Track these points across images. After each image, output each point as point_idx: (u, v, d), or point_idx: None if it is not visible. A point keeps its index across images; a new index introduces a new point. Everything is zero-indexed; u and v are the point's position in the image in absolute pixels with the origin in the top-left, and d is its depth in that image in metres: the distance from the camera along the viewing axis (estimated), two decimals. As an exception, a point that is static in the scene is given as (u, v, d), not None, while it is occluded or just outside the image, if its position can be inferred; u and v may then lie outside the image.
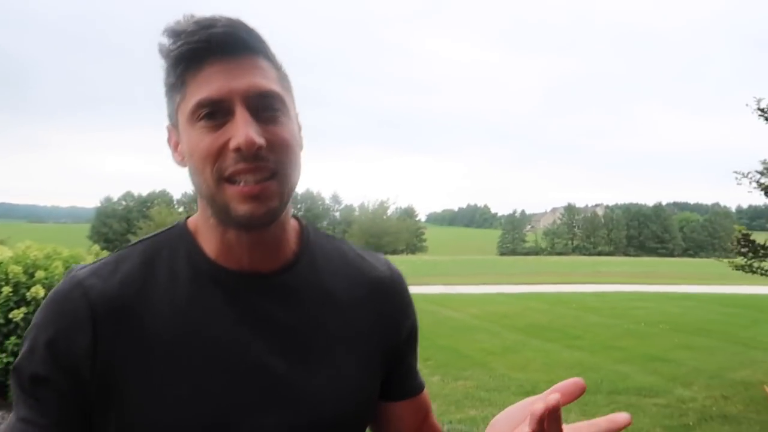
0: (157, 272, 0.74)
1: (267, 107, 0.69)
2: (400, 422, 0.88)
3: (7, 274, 5.58)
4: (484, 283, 18.55)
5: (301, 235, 0.82)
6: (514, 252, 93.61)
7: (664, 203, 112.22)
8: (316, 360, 0.76)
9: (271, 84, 0.70)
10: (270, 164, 0.68)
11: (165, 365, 0.70)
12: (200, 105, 0.68)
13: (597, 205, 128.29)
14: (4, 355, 5.49)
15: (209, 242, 0.75)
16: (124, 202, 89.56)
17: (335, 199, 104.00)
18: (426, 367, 5.95)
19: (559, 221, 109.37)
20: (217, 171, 0.68)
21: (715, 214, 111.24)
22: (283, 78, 0.73)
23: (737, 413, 4.71)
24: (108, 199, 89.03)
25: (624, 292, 15.64)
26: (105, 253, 2.09)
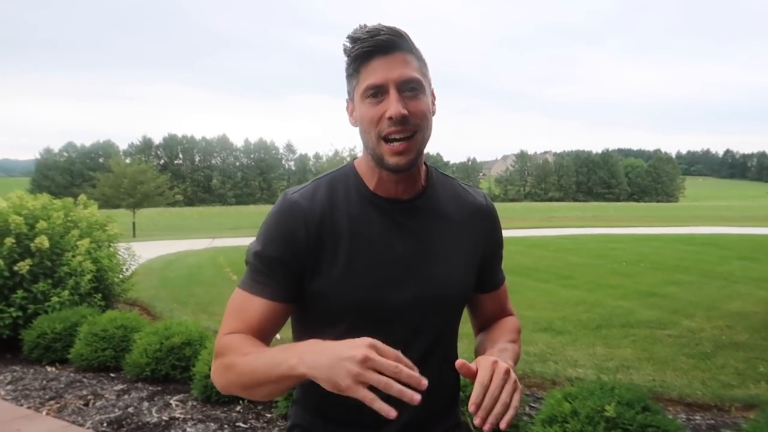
0: (338, 196, 1.12)
1: (410, 88, 1.04)
2: (484, 307, 1.30)
3: (8, 224, 5.27)
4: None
5: (427, 174, 1.19)
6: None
7: (609, 150, 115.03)
8: (437, 258, 1.13)
9: (413, 72, 1.04)
10: (411, 127, 1.03)
11: (344, 253, 1.08)
12: (368, 88, 1.03)
13: (546, 153, 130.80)
14: (12, 309, 5.24)
15: (369, 178, 1.13)
16: (66, 154, 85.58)
17: (289, 148, 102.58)
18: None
19: (511, 168, 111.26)
20: (377, 132, 1.04)
21: (658, 160, 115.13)
22: (422, 66, 1.08)
23: (746, 341, 5.00)
24: (48, 151, 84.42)
25: (594, 235, 16.21)
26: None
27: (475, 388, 0.94)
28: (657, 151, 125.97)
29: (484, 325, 1.31)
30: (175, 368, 4.17)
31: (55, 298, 5.30)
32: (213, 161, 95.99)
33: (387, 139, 1.04)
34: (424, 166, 1.18)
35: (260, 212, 59.55)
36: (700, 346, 4.86)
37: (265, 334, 1.10)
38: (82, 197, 6.90)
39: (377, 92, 1.04)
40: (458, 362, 0.97)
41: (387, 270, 1.10)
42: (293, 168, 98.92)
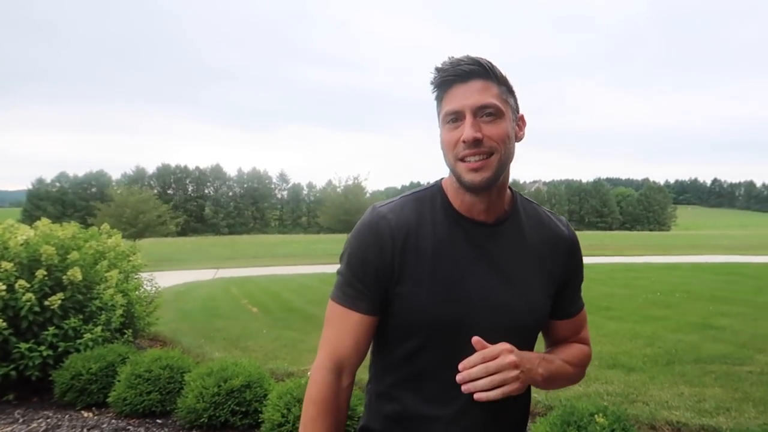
0: (424, 213, 1.16)
1: (487, 114, 1.08)
2: (558, 333, 1.29)
3: (39, 254, 4.86)
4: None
5: (512, 200, 1.21)
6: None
7: (600, 179, 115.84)
8: (516, 285, 1.15)
9: (490, 99, 1.09)
10: (485, 149, 1.08)
11: (427, 271, 1.12)
12: (447, 113, 1.11)
13: (536, 182, 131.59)
14: (42, 348, 4.79)
15: (455, 199, 1.17)
16: (58, 184, 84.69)
17: (282, 178, 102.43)
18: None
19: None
20: (454, 155, 1.11)
21: (649, 189, 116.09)
22: (504, 92, 1.11)
23: (835, 377, 4.66)
24: (40, 181, 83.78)
25: (608, 264, 15.89)
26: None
27: (474, 354, 1.05)
28: (646, 180, 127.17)
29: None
30: (234, 414, 3.75)
31: (87, 335, 4.88)
32: (206, 191, 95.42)
33: (463, 160, 1.09)
34: (509, 191, 1.21)
35: (255, 242, 59.03)
36: (794, 384, 4.51)
37: (361, 346, 1.17)
38: (105, 226, 6.53)
39: (456, 118, 1.10)
40: (474, 338, 1.06)
41: (466, 291, 1.12)
42: (286, 197, 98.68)
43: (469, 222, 1.15)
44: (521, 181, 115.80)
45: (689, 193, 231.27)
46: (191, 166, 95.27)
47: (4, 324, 4.47)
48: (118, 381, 4.28)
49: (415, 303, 1.11)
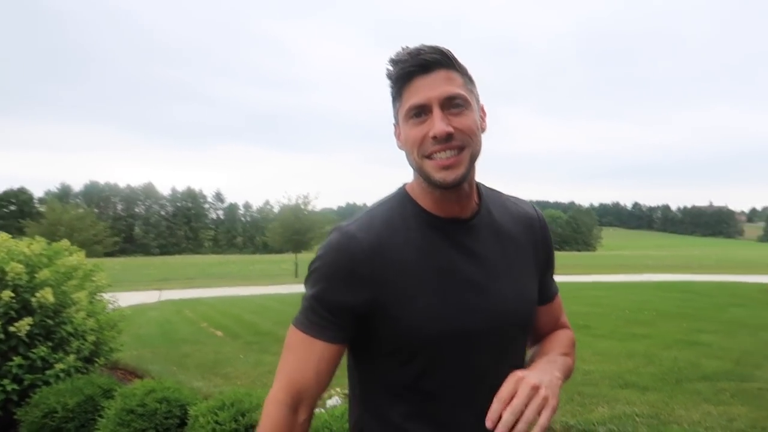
0: (396, 224, 1.06)
1: (454, 105, 1.00)
2: (539, 320, 1.20)
3: (5, 273, 4.20)
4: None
5: (478, 191, 1.14)
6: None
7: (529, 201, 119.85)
8: (505, 278, 1.09)
9: (456, 89, 1.01)
10: (457, 143, 1.00)
11: (411, 284, 1.01)
12: (411, 108, 1.01)
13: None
14: (6, 381, 4.11)
15: (423, 199, 1.08)
16: (-29, 201, 78.92)
17: (218, 197, 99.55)
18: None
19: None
20: (421, 152, 1.01)
21: (577, 212, 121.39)
22: (468, 82, 1.04)
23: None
24: (-49, 198, 77.75)
25: (561, 282, 16.07)
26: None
27: (492, 404, 0.92)
28: (572, 203, 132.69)
29: (538, 338, 1.25)
30: (254, 453, 3.30)
31: (59, 365, 4.26)
32: (136, 210, 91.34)
33: (430, 157, 1.01)
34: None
35: (188, 263, 56.75)
36: (809, 399, 4.50)
37: (322, 377, 1.05)
38: (65, 242, 5.86)
39: (420, 112, 1.01)
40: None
41: (460, 296, 1.03)
42: (222, 217, 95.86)
43: (444, 221, 1.07)
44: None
45: (611, 215, 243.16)
46: (122, 184, 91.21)
47: (-38, 355, 3.82)
48: (103, 418, 3.72)
49: (411, 322, 1.01)
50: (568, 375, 1.13)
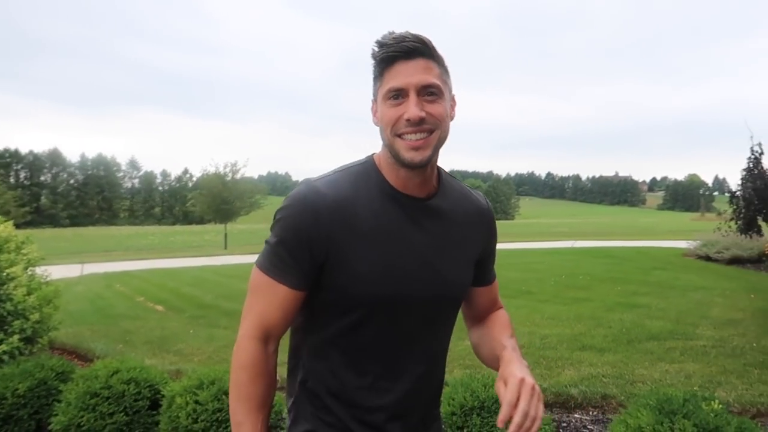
0: (360, 189, 1.16)
1: (429, 93, 1.11)
2: (478, 301, 1.38)
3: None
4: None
5: (438, 175, 1.24)
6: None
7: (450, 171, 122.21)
8: (447, 256, 1.21)
9: (432, 78, 1.11)
10: (428, 126, 1.11)
11: (365, 247, 1.13)
12: (390, 90, 1.11)
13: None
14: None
15: (388, 173, 1.18)
16: None
17: (133, 165, 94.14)
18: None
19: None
20: (393, 131, 1.12)
21: (496, 181, 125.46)
22: (443, 73, 1.15)
23: (776, 346, 5.11)
24: None
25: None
26: None
27: (503, 408, 1.02)
28: (491, 173, 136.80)
29: (477, 316, 1.40)
30: None
31: (2, 347, 3.89)
32: (42, 178, 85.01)
33: (402, 137, 1.11)
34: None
35: (103, 234, 53.82)
36: (750, 355, 4.86)
37: (288, 316, 1.17)
38: (-10, 212, 5.32)
39: (398, 95, 1.10)
40: (496, 385, 1.09)
41: (403, 265, 1.15)
42: (138, 186, 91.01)
43: (404, 197, 1.17)
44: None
45: (527, 185, 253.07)
46: (23, 150, 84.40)
47: None
48: (61, 403, 3.44)
49: (355, 279, 1.13)
50: None
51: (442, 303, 1.22)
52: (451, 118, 1.18)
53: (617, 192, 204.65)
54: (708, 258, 12.21)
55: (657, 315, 6.60)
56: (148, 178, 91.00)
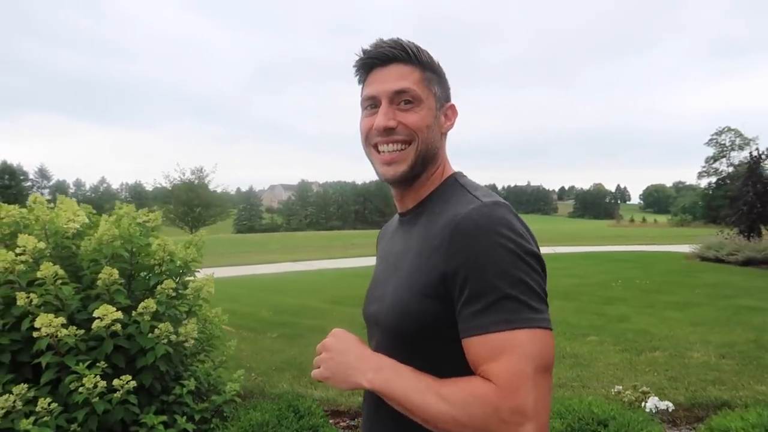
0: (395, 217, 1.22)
1: (404, 101, 1.03)
2: (468, 357, 0.90)
3: (153, 258, 2.83)
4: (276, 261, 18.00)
5: (436, 189, 1.09)
6: (252, 229, 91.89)
7: (367, 181, 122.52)
8: (395, 276, 1.04)
9: (408, 84, 1.02)
10: (400, 137, 1.02)
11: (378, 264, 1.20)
12: (365, 99, 1.07)
13: (310, 182, 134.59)
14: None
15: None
16: None
17: (42, 174, 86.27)
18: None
19: (293, 198, 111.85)
20: (367, 141, 1.07)
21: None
22: (429, 78, 1.05)
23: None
24: None
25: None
26: None
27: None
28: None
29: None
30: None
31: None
32: (-65, 189, 76.76)
33: (377, 149, 1.05)
34: (442, 178, 1.09)
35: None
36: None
37: None
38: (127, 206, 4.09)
39: (373, 104, 1.05)
40: None
41: (373, 285, 1.15)
42: (48, 197, 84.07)
43: (399, 215, 1.15)
44: (292, 183, 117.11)
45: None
46: None
47: None
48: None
49: None
50: (398, 401, 0.91)
51: (382, 328, 1.03)
52: (445, 129, 1.08)
53: (531, 200, 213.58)
54: (718, 260, 12.66)
55: (650, 321, 6.87)
56: (61, 188, 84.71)
